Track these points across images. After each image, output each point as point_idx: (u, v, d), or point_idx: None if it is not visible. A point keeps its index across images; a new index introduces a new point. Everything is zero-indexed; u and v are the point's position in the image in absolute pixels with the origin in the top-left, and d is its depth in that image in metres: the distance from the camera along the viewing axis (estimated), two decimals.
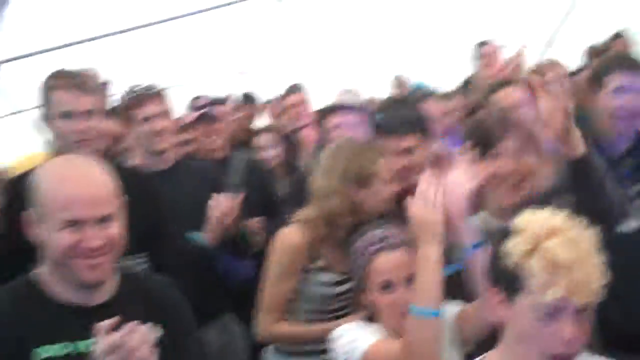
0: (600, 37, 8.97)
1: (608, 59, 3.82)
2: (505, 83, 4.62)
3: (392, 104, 3.86)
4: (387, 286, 2.72)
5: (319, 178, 3.40)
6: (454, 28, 9.77)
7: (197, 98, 5.22)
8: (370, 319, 2.81)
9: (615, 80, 3.57)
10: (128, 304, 2.43)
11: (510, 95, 4.39)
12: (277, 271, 3.39)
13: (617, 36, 8.29)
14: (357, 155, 3.35)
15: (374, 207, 3.31)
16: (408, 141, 3.49)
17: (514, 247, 1.96)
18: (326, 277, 3.38)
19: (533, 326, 1.95)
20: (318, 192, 3.39)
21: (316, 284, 3.39)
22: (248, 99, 8.70)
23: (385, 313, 2.75)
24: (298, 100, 6.12)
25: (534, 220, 1.97)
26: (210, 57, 9.39)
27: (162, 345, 2.31)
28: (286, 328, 3.43)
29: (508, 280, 1.98)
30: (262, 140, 5.58)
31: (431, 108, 4.58)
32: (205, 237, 3.95)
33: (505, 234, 2.00)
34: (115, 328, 2.13)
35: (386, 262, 2.74)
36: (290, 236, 3.39)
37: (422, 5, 9.73)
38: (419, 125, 3.57)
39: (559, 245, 1.88)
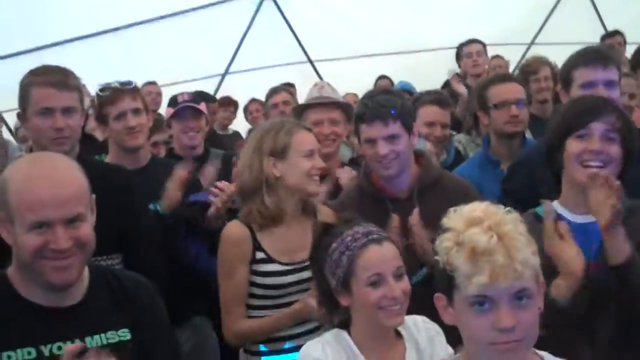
0: (583, 34, 9.04)
1: (576, 54, 3.81)
2: (504, 79, 4.59)
3: (377, 91, 3.78)
4: (377, 281, 2.63)
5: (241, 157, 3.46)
6: (437, 27, 9.80)
7: (177, 95, 5.11)
8: (346, 324, 2.72)
9: (582, 75, 3.64)
10: (99, 306, 2.35)
11: (508, 90, 4.37)
12: (225, 266, 3.39)
13: (613, 34, 8.33)
14: (274, 129, 3.39)
15: (294, 182, 3.32)
16: (391, 129, 3.42)
17: (440, 244, 1.95)
18: (271, 266, 3.36)
19: (470, 320, 1.93)
20: (240, 171, 3.44)
21: (261, 274, 3.36)
22: (227, 99, 8.70)
23: (371, 310, 2.64)
24: (282, 99, 6.05)
25: (458, 216, 1.96)
26: (195, 56, 9.34)
27: (136, 345, 2.25)
28: (247, 324, 3.39)
29: (442, 281, 1.98)
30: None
31: (429, 114, 4.57)
32: (162, 205, 3.95)
33: (438, 234, 1.99)
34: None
35: (374, 256, 2.65)
36: (232, 229, 3.40)
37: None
38: (402, 114, 3.50)
39: (477, 233, 1.89)
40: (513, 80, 4.53)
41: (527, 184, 3.57)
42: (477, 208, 1.97)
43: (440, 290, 2.03)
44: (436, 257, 1.97)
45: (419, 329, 2.75)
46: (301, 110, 4.44)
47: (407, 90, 6.73)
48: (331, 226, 2.81)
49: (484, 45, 7.34)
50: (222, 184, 3.85)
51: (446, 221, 1.98)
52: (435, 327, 2.72)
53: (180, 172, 3.97)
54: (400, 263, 2.66)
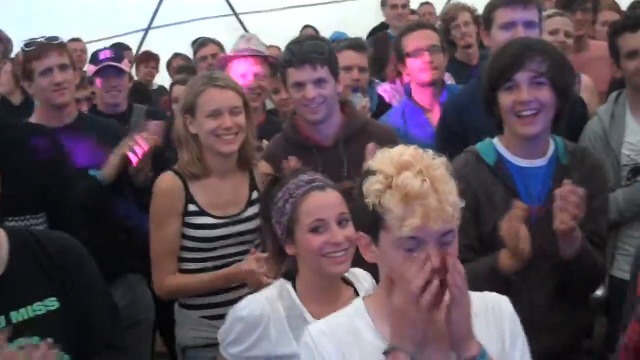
0: None
1: None
2: (416, 27, 4.60)
3: (304, 37, 3.79)
4: (318, 227, 2.65)
5: None
6: None
7: (98, 52, 5.05)
8: (292, 275, 2.74)
9: (502, 16, 3.66)
10: (22, 277, 2.30)
11: (421, 38, 4.38)
12: (156, 219, 3.41)
13: None
14: (189, 86, 3.46)
15: (204, 141, 3.36)
16: (319, 72, 3.47)
17: (370, 187, 1.96)
18: (203, 219, 3.37)
19: (399, 261, 1.95)
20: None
21: (193, 227, 3.37)
22: (147, 54, 8.56)
23: (315, 258, 2.66)
24: (211, 52, 5.98)
25: (386, 159, 1.98)
26: (117, 12, 9.17)
27: (67, 312, 2.22)
28: (178, 280, 3.41)
29: (369, 222, 1.99)
30: (176, 92, 5.42)
31: (346, 58, 4.52)
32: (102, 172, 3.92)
33: (364, 175, 2.00)
34: None
35: (317, 202, 2.67)
36: (165, 181, 3.41)
37: None
38: (330, 59, 3.55)
39: (410, 177, 1.90)
40: (426, 28, 4.54)
41: (459, 130, 3.63)
42: (405, 152, 1.99)
43: (364, 229, 2.05)
44: (365, 200, 1.97)
45: (366, 281, 2.79)
46: (226, 62, 4.42)
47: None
48: (279, 178, 2.83)
49: None
50: (140, 138, 3.83)
51: (374, 164, 1.99)
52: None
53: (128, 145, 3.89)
54: (345, 210, 2.65)
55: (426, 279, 1.90)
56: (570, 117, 3.47)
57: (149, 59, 8.47)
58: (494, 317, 2.13)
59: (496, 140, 3.01)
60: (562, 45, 4.49)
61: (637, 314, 2.36)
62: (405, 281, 1.94)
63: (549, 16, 4.66)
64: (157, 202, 3.40)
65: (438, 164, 1.97)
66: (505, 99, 2.86)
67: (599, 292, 3.52)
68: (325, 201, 2.67)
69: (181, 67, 6.99)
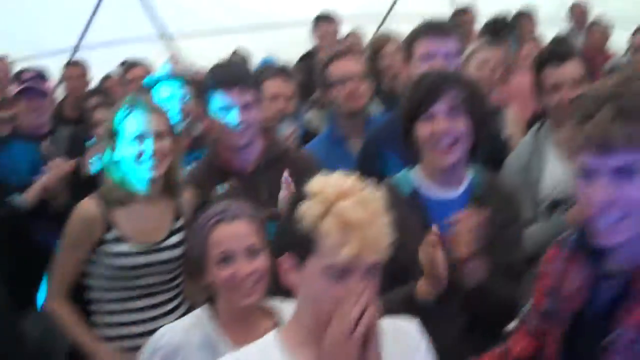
0: (436, 10, 9.24)
1: (417, 26, 3.89)
2: (342, 54, 4.59)
3: (230, 61, 3.79)
4: (225, 259, 2.64)
5: None
6: (297, 2, 9.78)
7: (21, 72, 4.98)
8: (211, 300, 2.73)
9: (422, 46, 3.71)
10: None
11: (346, 66, 4.38)
12: (66, 242, 3.37)
13: (464, 10, 8.56)
14: (114, 110, 3.41)
15: (126, 166, 3.34)
16: (248, 97, 3.49)
17: (307, 210, 1.93)
18: (122, 247, 3.32)
19: (323, 287, 1.93)
20: None
21: (111, 255, 3.32)
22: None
23: (224, 289, 2.66)
24: (140, 74, 5.90)
25: (327, 184, 1.96)
26: (45, 30, 9.02)
27: None
28: (62, 312, 3.38)
29: (300, 244, 1.96)
30: (98, 116, 5.34)
31: (273, 86, 4.54)
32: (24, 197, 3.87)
33: (298, 198, 1.98)
34: None
35: (224, 234, 2.66)
36: (84, 207, 3.36)
37: None
38: (257, 84, 3.60)
39: (350, 205, 1.89)
40: (351, 56, 4.55)
41: (377, 162, 3.65)
42: (347, 180, 1.98)
43: (292, 251, 2.01)
44: (299, 222, 1.95)
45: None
46: (152, 85, 4.39)
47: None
48: (205, 206, 2.83)
49: (337, 23, 7.31)
50: (54, 162, 3.78)
51: (312, 187, 1.97)
52: None
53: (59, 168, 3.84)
54: (254, 241, 2.65)
55: (360, 311, 1.89)
56: (491, 149, 3.56)
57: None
58: (404, 339, 2.15)
59: (413, 171, 3.03)
60: (489, 78, 4.58)
61: (532, 328, 2.38)
62: (316, 307, 1.95)
63: (477, 49, 4.74)
64: (71, 227, 3.35)
65: (377, 196, 1.97)
66: (423, 130, 2.89)
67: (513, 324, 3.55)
68: (232, 233, 2.66)
69: (93, 90, 6.89)
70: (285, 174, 3.28)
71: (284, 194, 3.33)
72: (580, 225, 2.15)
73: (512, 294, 2.94)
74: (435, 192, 2.97)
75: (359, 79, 4.34)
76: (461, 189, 2.96)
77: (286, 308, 2.75)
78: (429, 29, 3.76)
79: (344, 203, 1.90)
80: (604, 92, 1.92)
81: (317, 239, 1.91)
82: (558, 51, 3.85)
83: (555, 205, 3.67)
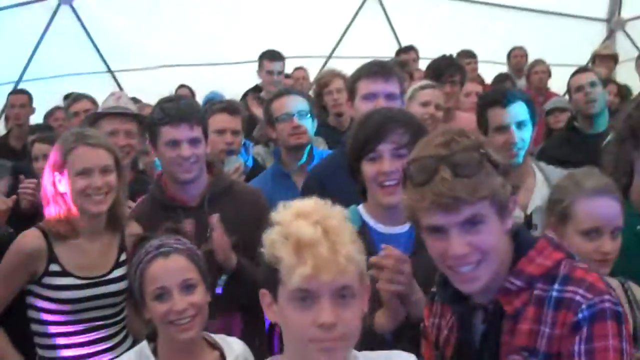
0: (378, 48, 9.37)
1: (360, 66, 3.98)
2: (285, 92, 4.68)
3: (176, 97, 3.80)
4: (161, 294, 2.64)
5: None
6: (240, 40, 9.82)
7: None
8: (154, 337, 2.71)
9: (364, 87, 3.79)
10: None
11: (289, 103, 4.45)
12: (2, 271, 3.31)
13: (408, 49, 8.68)
14: (59, 143, 3.37)
15: (73, 200, 3.31)
16: (195, 132, 3.49)
17: (267, 238, 1.95)
18: (65, 280, 3.28)
19: (292, 316, 1.92)
20: None
21: (55, 288, 3.27)
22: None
23: (162, 324, 2.65)
24: (84, 108, 5.84)
25: (286, 210, 1.98)
26: None
27: None
28: None
29: (267, 276, 1.97)
30: (37, 149, 5.27)
31: (219, 121, 4.58)
32: None
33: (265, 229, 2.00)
34: None
35: (159, 269, 2.65)
36: (26, 238, 3.32)
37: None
38: (203, 120, 3.60)
39: (303, 226, 1.89)
40: (294, 93, 4.63)
41: (320, 196, 3.63)
42: (306, 203, 1.99)
43: (265, 286, 2.01)
44: (262, 250, 1.96)
45: (238, 345, 2.79)
46: (95, 119, 4.35)
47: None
48: (145, 240, 2.80)
49: (282, 61, 7.35)
50: None
51: (275, 215, 1.97)
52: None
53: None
54: (190, 275, 2.66)
55: (315, 334, 1.89)
56: None
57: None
58: None
59: (361, 207, 3.05)
60: (432, 117, 4.65)
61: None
62: (293, 338, 1.95)
63: (421, 87, 4.81)
64: (9, 257, 3.30)
65: (336, 214, 1.97)
66: (369, 169, 2.92)
67: None
68: (166, 268, 2.66)
69: (35, 126, 6.81)
70: (215, 216, 3.28)
71: (215, 235, 3.33)
72: (439, 278, 2.27)
73: None
74: (382, 227, 2.99)
75: (303, 116, 4.40)
76: (406, 225, 2.96)
77: (231, 341, 2.76)
78: (371, 70, 3.85)
79: (298, 224, 1.90)
80: (435, 154, 2.04)
81: (277, 266, 1.91)
82: (506, 92, 3.92)
83: None
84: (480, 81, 7.81)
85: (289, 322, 1.95)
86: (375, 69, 3.85)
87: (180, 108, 3.51)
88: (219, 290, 3.31)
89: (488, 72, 8.94)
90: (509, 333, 2.12)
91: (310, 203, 1.99)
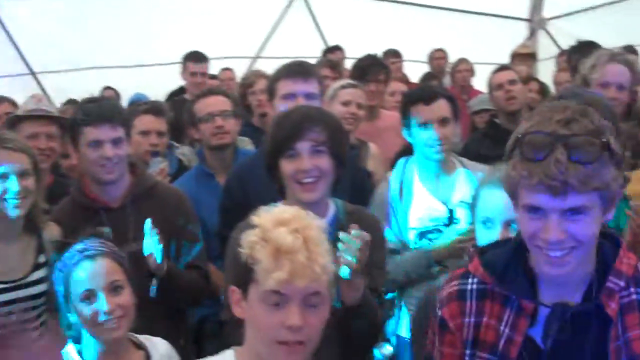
0: (306, 48, 9.41)
1: (280, 67, 4.02)
2: (208, 92, 4.68)
3: (98, 98, 3.77)
4: (88, 297, 2.67)
5: None
6: (166, 41, 9.75)
7: None
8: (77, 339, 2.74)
9: (283, 87, 3.84)
10: None
11: (212, 104, 4.45)
12: None
13: (334, 48, 8.72)
14: None
15: None
16: (118, 132, 3.47)
17: (246, 238, 2.01)
18: None
19: (262, 315, 1.99)
20: None
21: None
22: None
23: (89, 326, 2.68)
24: (4, 110, 5.77)
25: (267, 214, 2.04)
26: None
27: None
28: None
29: (241, 274, 2.03)
30: None
31: (144, 122, 4.55)
32: None
33: (242, 230, 2.05)
34: None
35: (84, 272, 2.69)
36: None
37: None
38: (126, 120, 3.59)
39: (284, 232, 1.97)
40: (217, 94, 4.63)
41: (242, 197, 3.65)
42: (287, 210, 2.06)
43: (236, 283, 2.07)
44: (239, 250, 2.01)
45: (162, 345, 2.84)
46: (15, 122, 4.27)
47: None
48: (66, 244, 2.82)
49: (207, 62, 7.31)
50: None
51: (255, 218, 2.04)
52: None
53: None
54: (116, 277, 2.70)
55: (281, 334, 1.97)
56: (353, 184, 3.69)
57: None
58: None
59: (279, 205, 3.05)
60: (353, 116, 4.70)
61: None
62: (258, 337, 2.01)
63: (342, 87, 4.84)
64: None
65: (315, 225, 2.04)
66: (287, 167, 2.95)
67: (386, 352, 3.62)
68: (92, 271, 2.69)
69: None
70: (148, 221, 3.26)
71: (147, 240, 3.30)
72: (478, 273, 2.16)
73: (379, 316, 3.04)
74: None
75: (226, 116, 4.40)
76: (327, 220, 3.00)
77: (156, 342, 2.78)
78: (291, 70, 3.89)
79: (279, 230, 1.97)
80: (553, 131, 1.92)
81: (254, 266, 1.97)
82: (429, 90, 3.99)
83: (422, 235, 3.77)
84: (406, 80, 7.90)
85: (257, 320, 2.03)
86: (294, 69, 3.90)
87: (102, 108, 3.49)
88: (152, 294, 3.28)
89: (414, 71, 9.06)
90: (615, 340, 2.03)
91: (291, 211, 2.06)
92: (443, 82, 8.45)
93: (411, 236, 3.78)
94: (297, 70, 3.89)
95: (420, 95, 3.86)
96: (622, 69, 4.11)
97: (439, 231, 3.74)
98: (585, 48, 5.40)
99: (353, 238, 2.64)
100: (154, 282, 3.29)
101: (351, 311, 2.78)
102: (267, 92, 4.03)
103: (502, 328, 2.11)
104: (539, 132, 1.94)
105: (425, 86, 4.59)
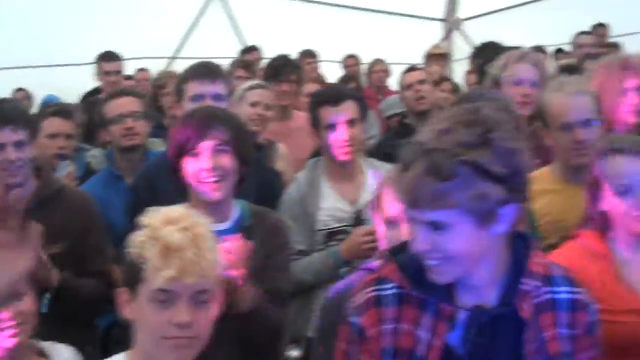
0: (223, 49, 9.39)
1: (188, 68, 4.05)
2: (118, 93, 4.62)
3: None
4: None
5: None
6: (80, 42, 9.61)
7: None
8: None
9: (192, 88, 3.85)
10: None
11: (122, 105, 4.40)
12: None
13: (251, 49, 8.71)
14: None
15: None
16: (20, 135, 3.41)
17: (135, 238, 2.03)
18: None
19: (151, 314, 2.01)
20: None
21: None
22: None
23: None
24: None
25: (156, 214, 2.06)
26: None
27: None
28: None
29: (130, 274, 2.05)
30: None
31: (52, 125, 4.51)
32: None
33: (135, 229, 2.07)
34: None
35: None
36: None
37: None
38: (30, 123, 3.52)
39: (173, 230, 2.00)
40: (128, 95, 4.58)
41: (150, 197, 3.62)
42: (176, 210, 2.10)
43: (126, 284, 2.09)
44: (129, 250, 2.04)
45: (67, 351, 2.73)
46: None
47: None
48: None
49: (121, 62, 7.24)
50: None
51: (145, 219, 2.06)
52: None
53: None
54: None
55: (171, 332, 1.99)
56: (261, 184, 3.71)
57: None
58: None
59: (186, 206, 3.04)
60: (261, 117, 4.72)
61: None
62: (148, 336, 2.03)
63: (250, 88, 4.84)
64: None
65: (204, 223, 2.09)
66: (190, 166, 2.94)
67: (295, 353, 3.64)
68: None
69: None
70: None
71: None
72: (395, 277, 2.11)
73: (281, 319, 3.07)
74: None
75: (137, 117, 4.36)
76: (229, 222, 3.03)
77: (59, 348, 2.73)
78: (198, 72, 3.90)
79: (167, 229, 2.00)
80: (425, 141, 1.91)
81: (143, 266, 1.99)
82: (336, 91, 4.02)
83: (331, 236, 3.80)
84: (322, 81, 7.92)
85: (146, 319, 2.05)
86: (202, 71, 3.90)
87: (3, 111, 3.44)
88: (43, 309, 3.22)
89: (332, 72, 9.11)
90: (530, 342, 2.03)
91: (180, 210, 2.09)
92: (361, 84, 8.51)
93: (320, 237, 3.80)
94: (204, 71, 3.89)
95: (327, 96, 3.89)
96: (533, 67, 4.20)
97: (347, 232, 3.75)
98: (489, 50, 5.53)
99: (234, 249, 2.67)
100: (47, 296, 3.24)
101: (243, 318, 2.79)
102: (175, 93, 4.03)
103: (420, 333, 2.06)
104: (413, 143, 1.95)
105: (332, 87, 4.62)
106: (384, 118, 6.61)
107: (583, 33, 8.00)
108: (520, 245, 2.09)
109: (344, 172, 3.85)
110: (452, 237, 1.91)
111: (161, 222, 2.03)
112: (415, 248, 1.97)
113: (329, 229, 3.80)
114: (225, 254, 2.64)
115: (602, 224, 2.86)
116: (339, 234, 3.78)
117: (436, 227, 1.91)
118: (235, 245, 2.72)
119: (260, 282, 2.85)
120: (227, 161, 2.94)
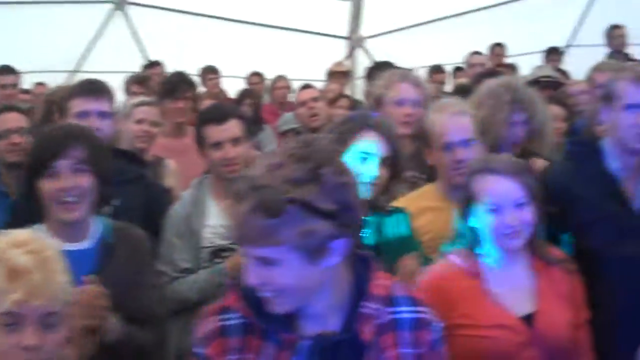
0: (125, 63, 9.32)
1: (74, 84, 4.11)
2: (4, 109, 4.58)
3: None
4: None
5: None
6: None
7: None
8: None
9: (76, 105, 3.85)
10: None
11: (8, 120, 4.38)
12: None
13: (154, 64, 8.66)
14: None
15: None
16: None
17: None
18: None
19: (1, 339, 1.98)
20: None
21: None
22: None
23: None
24: None
25: (2, 237, 2.05)
26: None
27: None
28: None
29: None
30: None
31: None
32: None
33: None
34: None
35: None
36: None
37: None
38: None
39: (18, 253, 1.98)
40: (13, 110, 4.55)
41: (28, 215, 3.55)
42: (24, 232, 2.08)
43: None
44: None
45: None
46: None
47: None
48: None
49: (16, 74, 7.11)
50: None
51: None
52: None
53: None
54: None
55: (20, 356, 1.97)
56: (149, 200, 3.75)
57: None
58: None
59: (41, 227, 2.98)
60: (146, 134, 4.73)
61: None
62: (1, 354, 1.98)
63: (136, 105, 4.85)
64: None
65: (51, 246, 2.07)
66: (47, 186, 2.88)
67: None
68: None
69: None
70: None
71: None
72: (237, 307, 2.10)
73: (154, 336, 3.03)
74: (66, 245, 2.91)
75: (22, 133, 4.33)
76: (89, 240, 2.99)
77: None
78: (83, 89, 3.90)
79: (13, 251, 1.97)
80: (255, 177, 1.89)
81: None
82: (220, 109, 4.02)
83: (216, 253, 3.80)
84: (223, 97, 7.95)
85: None
86: (86, 87, 3.90)
87: None
88: None
89: (234, 87, 9.12)
90: None
91: (28, 233, 2.09)
92: (260, 101, 8.56)
93: (205, 255, 3.80)
94: (89, 88, 3.89)
95: (212, 115, 3.89)
96: (414, 87, 4.26)
97: (233, 249, 3.75)
98: (382, 69, 5.63)
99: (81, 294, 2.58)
100: None
101: (110, 348, 2.76)
102: (59, 110, 4.00)
103: None
104: (244, 177, 1.93)
105: (216, 106, 4.64)
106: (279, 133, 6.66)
107: (475, 52, 8.25)
108: (361, 268, 2.10)
109: (229, 190, 3.85)
110: (282, 272, 1.92)
111: (7, 244, 2.01)
112: (248, 281, 1.97)
113: (214, 247, 3.79)
114: (81, 297, 2.58)
115: (472, 241, 2.97)
116: (224, 251, 3.77)
117: (266, 262, 1.91)
118: (88, 288, 2.65)
119: (130, 300, 2.83)
120: (85, 180, 2.90)
